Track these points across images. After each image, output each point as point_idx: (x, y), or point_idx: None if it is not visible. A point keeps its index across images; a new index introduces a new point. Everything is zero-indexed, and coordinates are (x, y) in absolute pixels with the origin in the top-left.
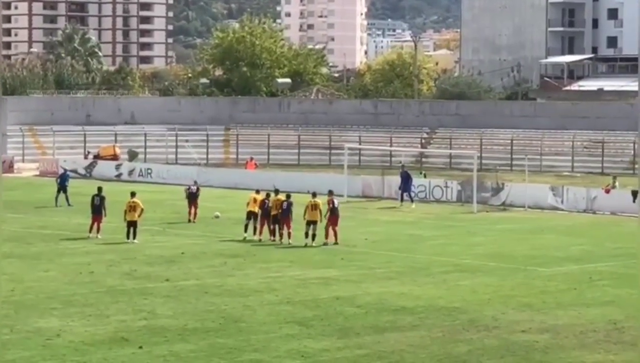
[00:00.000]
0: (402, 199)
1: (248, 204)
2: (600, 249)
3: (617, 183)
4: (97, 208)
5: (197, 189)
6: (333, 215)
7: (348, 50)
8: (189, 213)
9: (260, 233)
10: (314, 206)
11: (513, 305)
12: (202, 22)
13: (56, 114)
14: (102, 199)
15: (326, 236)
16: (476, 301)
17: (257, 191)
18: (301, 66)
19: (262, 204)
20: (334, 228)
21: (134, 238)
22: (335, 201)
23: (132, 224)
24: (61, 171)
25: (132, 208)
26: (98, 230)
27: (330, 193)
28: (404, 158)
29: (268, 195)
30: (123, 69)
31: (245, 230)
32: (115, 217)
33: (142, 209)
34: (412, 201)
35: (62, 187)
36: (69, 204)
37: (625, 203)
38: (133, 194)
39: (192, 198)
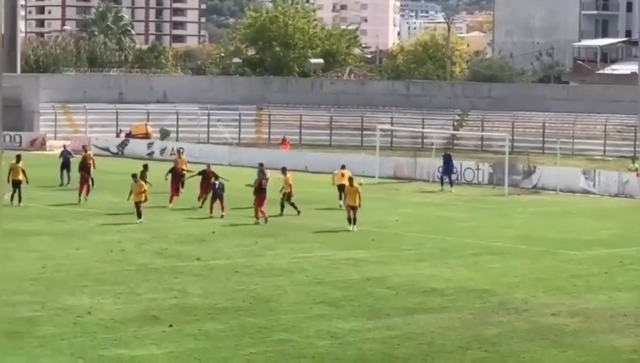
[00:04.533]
0: (442, 183)
1: (334, 179)
2: (632, 233)
3: (637, 165)
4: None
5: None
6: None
7: (381, 31)
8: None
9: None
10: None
11: (543, 288)
12: (235, 2)
13: (89, 92)
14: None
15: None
16: (506, 283)
17: (343, 167)
18: (334, 46)
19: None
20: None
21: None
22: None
23: (139, 204)
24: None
25: (139, 188)
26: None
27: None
28: (436, 139)
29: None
30: (156, 48)
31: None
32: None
33: (145, 192)
34: (451, 185)
35: (66, 164)
36: (62, 183)
37: None
38: (135, 176)
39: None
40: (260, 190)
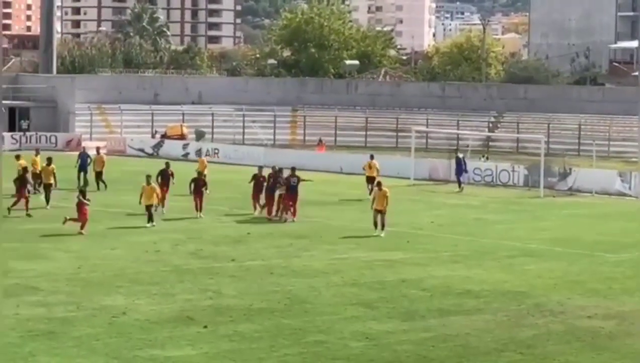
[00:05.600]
0: (459, 183)
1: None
2: None
3: None
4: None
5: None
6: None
7: (416, 32)
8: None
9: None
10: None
11: (579, 291)
12: (271, 3)
13: (124, 93)
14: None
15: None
16: (542, 285)
17: (372, 157)
18: (369, 48)
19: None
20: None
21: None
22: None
23: (150, 208)
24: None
25: (150, 191)
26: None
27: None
28: (471, 141)
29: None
30: (191, 49)
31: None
32: (180, 196)
33: (157, 195)
34: (459, 185)
35: (82, 167)
36: (79, 184)
37: None
38: (149, 178)
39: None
40: (289, 189)
